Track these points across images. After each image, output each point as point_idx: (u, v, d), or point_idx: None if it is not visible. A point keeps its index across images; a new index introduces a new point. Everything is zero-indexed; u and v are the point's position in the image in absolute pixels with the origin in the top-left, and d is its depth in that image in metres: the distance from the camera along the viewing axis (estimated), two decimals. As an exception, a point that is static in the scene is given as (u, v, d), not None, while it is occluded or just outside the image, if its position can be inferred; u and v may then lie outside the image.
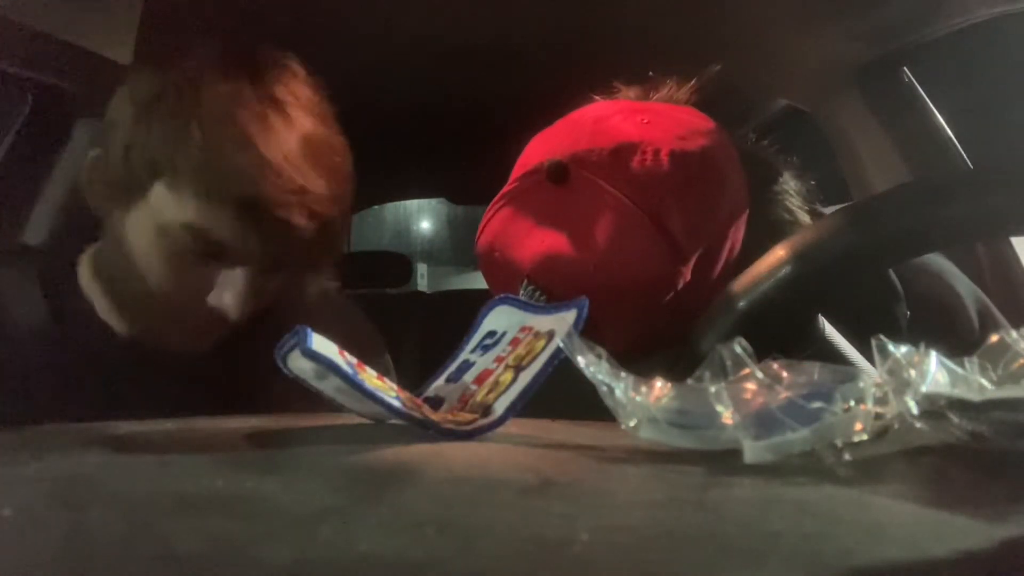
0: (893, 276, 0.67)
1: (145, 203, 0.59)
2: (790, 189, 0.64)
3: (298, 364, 0.32)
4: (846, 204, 0.65)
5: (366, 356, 0.38)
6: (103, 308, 0.67)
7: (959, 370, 0.27)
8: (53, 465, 0.21)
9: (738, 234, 0.58)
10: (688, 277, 0.54)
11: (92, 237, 0.71)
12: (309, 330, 0.33)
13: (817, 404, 0.26)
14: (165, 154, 0.57)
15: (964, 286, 0.77)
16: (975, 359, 0.28)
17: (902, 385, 0.26)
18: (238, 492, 0.18)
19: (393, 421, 0.32)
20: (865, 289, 0.65)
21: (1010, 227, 0.61)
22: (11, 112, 0.95)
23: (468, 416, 0.34)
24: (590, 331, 0.46)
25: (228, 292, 0.60)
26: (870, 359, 0.57)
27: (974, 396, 0.26)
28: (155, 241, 0.59)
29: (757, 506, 0.20)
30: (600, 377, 0.28)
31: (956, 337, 0.73)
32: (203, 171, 0.56)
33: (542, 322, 0.39)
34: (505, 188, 0.61)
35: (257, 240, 0.58)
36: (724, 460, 0.26)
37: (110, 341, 0.66)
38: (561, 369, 0.31)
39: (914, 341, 0.28)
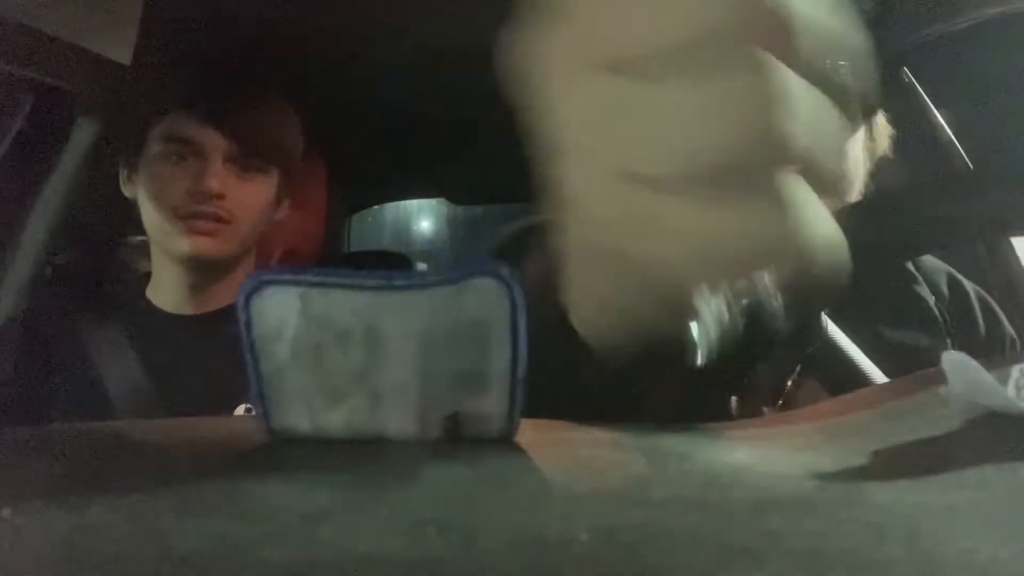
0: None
1: None
2: None
3: None
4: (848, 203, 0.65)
5: None
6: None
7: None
8: (53, 465, 0.21)
9: None
10: None
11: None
12: None
13: None
14: None
15: (971, 288, 0.78)
16: None
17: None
18: (238, 492, 0.18)
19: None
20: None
21: (1010, 227, 0.61)
22: (11, 112, 0.95)
23: None
24: None
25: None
26: (875, 360, 0.57)
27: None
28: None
29: (757, 506, 0.20)
30: None
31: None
32: None
33: None
34: None
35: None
36: (724, 460, 0.26)
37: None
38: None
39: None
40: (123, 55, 0.87)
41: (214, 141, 0.82)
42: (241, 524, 0.15)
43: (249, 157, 0.84)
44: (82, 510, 0.16)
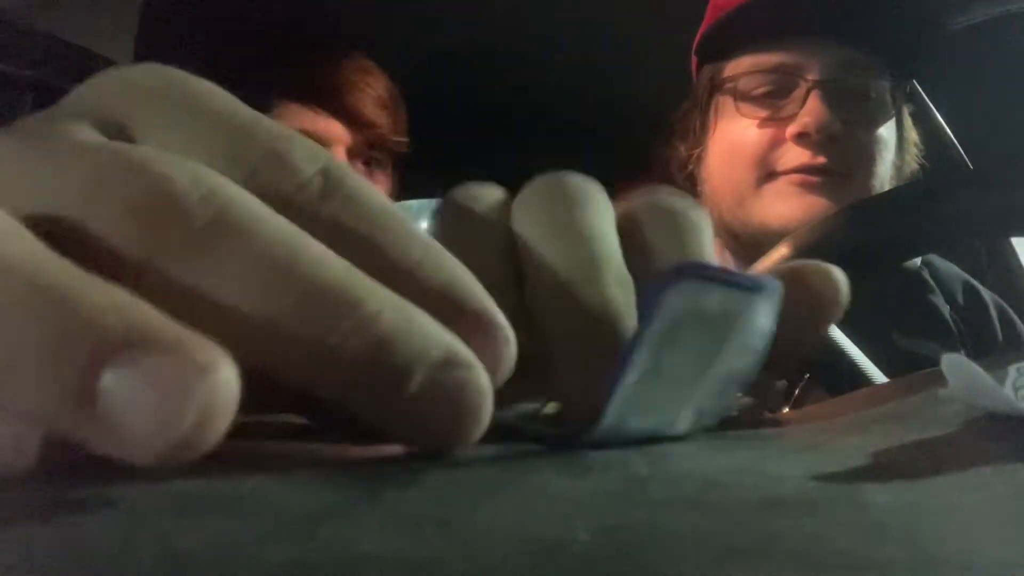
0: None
1: None
2: None
3: None
4: (849, 202, 0.65)
5: None
6: None
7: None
8: (52, 464, 0.20)
9: None
10: None
11: None
12: None
13: None
14: None
15: (988, 295, 0.77)
16: None
17: None
18: (238, 492, 0.18)
19: None
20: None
21: (1010, 227, 0.61)
22: (11, 112, 0.95)
23: None
24: None
25: None
26: (887, 370, 0.57)
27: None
28: None
29: (757, 506, 0.20)
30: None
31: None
32: None
33: None
34: None
35: None
36: (724, 460, 0.26)
37: None
38: None
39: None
40: (123, 55, 0.87)
41: (334, 132, 0.69)
42: (241, 524, 0.15)
43: (373, 150, 0.69)
44: (82, 510, 0.16)
